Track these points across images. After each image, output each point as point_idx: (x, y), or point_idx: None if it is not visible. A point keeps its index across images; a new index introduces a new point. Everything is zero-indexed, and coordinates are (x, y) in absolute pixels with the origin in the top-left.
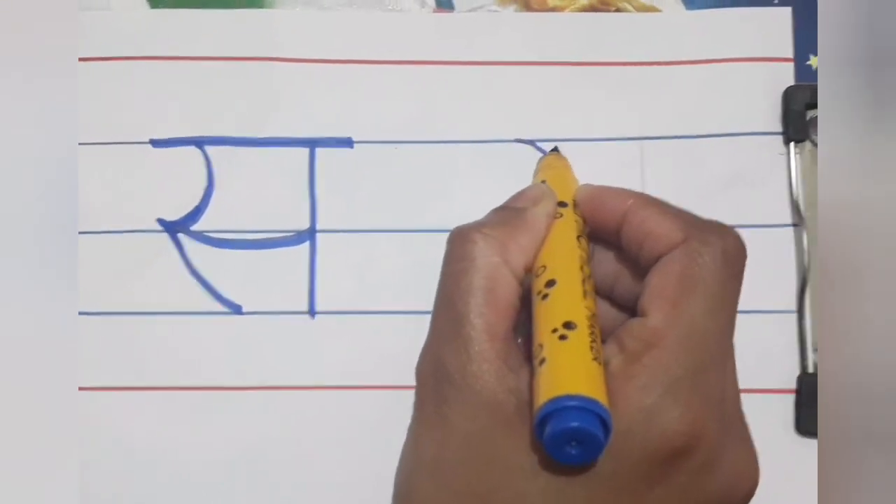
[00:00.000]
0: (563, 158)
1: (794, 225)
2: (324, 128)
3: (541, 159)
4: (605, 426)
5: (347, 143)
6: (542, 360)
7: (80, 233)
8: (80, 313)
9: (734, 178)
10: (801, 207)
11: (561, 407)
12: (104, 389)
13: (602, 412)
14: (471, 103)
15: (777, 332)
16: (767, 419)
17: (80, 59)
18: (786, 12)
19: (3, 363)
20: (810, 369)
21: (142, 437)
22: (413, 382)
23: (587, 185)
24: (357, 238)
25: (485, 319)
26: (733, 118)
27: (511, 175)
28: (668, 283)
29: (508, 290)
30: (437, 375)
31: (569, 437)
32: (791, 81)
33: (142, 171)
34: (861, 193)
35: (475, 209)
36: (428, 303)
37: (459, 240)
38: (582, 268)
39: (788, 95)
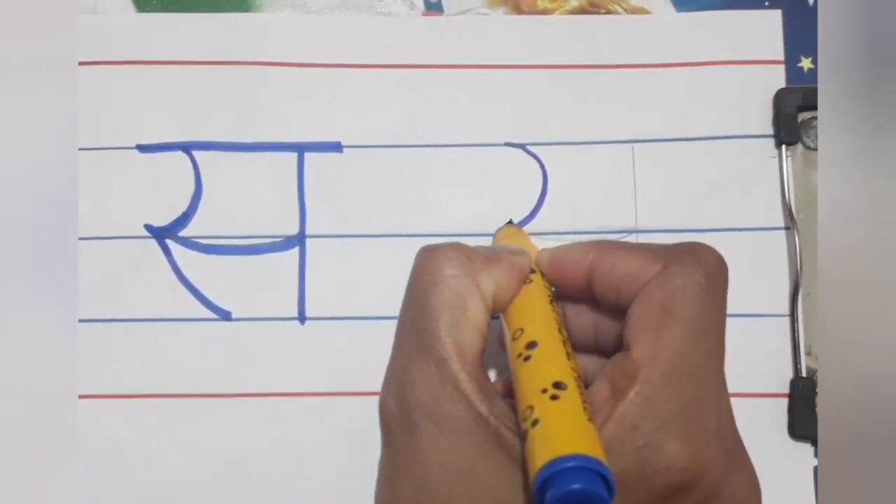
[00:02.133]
0: (522, 231)
1: (787, 228)
2: (312, 132)
3: (498, 230)
4: (609, 485)
5: (336, 147)
6: (536, 422)
7: None
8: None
9: (725, 181)
10: (794, 210)
11: (561, 469)
12: (93, 397)
13: (604, 471)
14: (461, 107)
15: (769, 335)
16: (761, 423)
17: None
18: (776, 14)
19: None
20: (803, 373)
21: (131, 444)
22: None
23: (545, 249)
24: (347, 243)
25: (455, 339)
26: (724, 121)
27: (501, 179)
28: (650, 313)
29: (479, 315)
30: (404, 403)
31: (572, 501)
32: (782, 84)
33: (129, 176)
34: (861, 193)
35: (466, 213)
36: None
37: (429, 253)
38: (560, 330)
39: (780, 98)
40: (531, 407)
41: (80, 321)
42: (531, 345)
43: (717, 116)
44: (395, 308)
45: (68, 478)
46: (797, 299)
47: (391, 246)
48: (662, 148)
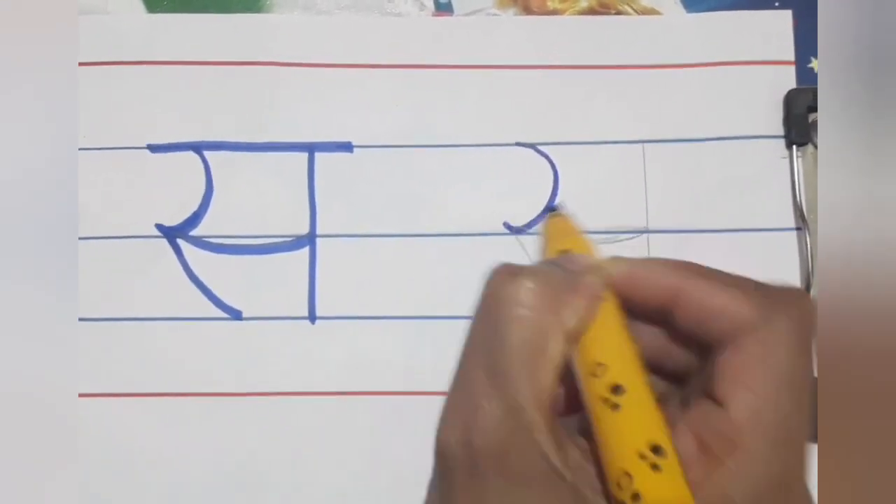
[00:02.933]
0: (573, 223)
1: (798, 229)
2: (323, 132)
3: (546, 221)
4: None
5: (347, 147)
6: (636, 496)
7: (79, 239)
8: (80, 319)
9: (736, 181)
10: (804, 211)
11: None
12: (104, 396)
13: None
14: (471, 107)
15: None
16: None
17: (78, 64)
18: (786, 15)
19: (3, 367)
20: (815, 374)
21: (142, 444)
22: (414, 388)
23: (620, 260)
24: (357, 243)
25: (533, 384)
26: (735, 121)
27: (512, 179)
28: (749, 368)
29: (558, 356)
30: (471, 448)
31: None
32: (792, 84)
33: (140, 176)
34: (861, 194)
35: (476, 213)
36: (428, 308)
37: (508, 280)
38: (645, 370)
39: (790, 99)
40: (628, 475)
41: (92, 320)
42: (617, 389)
43: (727, 117)
44: (405, 307)
45: (68, 478)
46: None
47: (401, 245)
48: (673, 148)
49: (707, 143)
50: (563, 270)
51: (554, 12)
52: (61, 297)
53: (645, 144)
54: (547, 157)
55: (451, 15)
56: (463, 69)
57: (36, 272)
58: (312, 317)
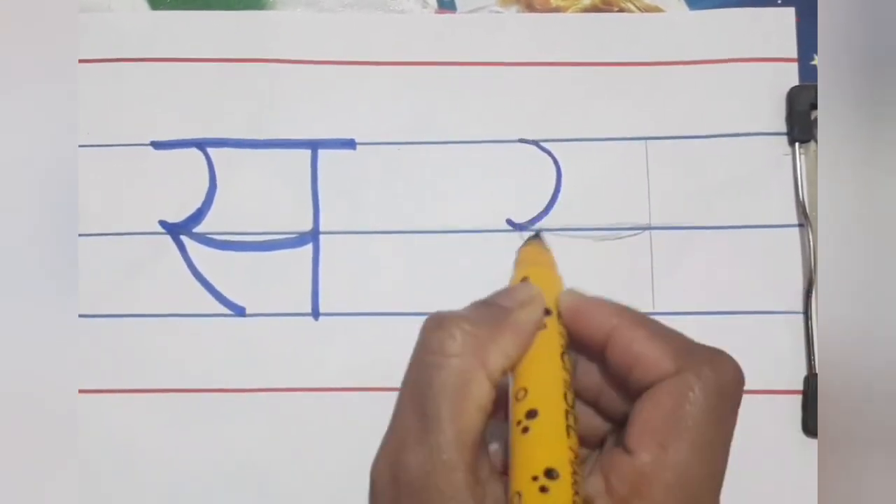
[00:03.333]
0: (547, 250)
1: (800, 225)
2: (326, 129)
3: (522, 246)
4: None
5: (350, 144)
6: None
7: (82, 235)
8: (83, 316)
9: (739, 178)
10: (807, 208)
11: None
12: (105, 392)
13: None
14: (473, 104)
15: (783, 333)
16: (774, 420)
17: (81, 61)
18: (789, 12)
19: (3, 366)
20: (817, 370)
21: (145, 441)
22: None
23: (571, 293)
24: (360, 239)
25: (456, 426)
26: (737, 118)
27: (515, 176)
28: (657, 421)
29: (484, 397)
30: (396, 482)
31: None
32: (795, 81)
33: (143, 173)
34: (861, 193)
35: (479, 210)
36: (431, 304)
37: (437, 330)
38: (566, 395)
39: (793, 95)
40: (519, 494)
41: (94, 316)
42: (531, 413)
43: (730, 114)
44: (407, 303)
45: (68, 475)
46: (811, 296)
47: (404, 242)
48: (676, 145)
49: (710, 139)
50: (495, 308)
51: (556, 9)
52: (61, 294)
53: (648, 141)
54: (550, 153)
55: (454, 12)
56: (466, 66)
57: (36, 269)
58: (316, 313)
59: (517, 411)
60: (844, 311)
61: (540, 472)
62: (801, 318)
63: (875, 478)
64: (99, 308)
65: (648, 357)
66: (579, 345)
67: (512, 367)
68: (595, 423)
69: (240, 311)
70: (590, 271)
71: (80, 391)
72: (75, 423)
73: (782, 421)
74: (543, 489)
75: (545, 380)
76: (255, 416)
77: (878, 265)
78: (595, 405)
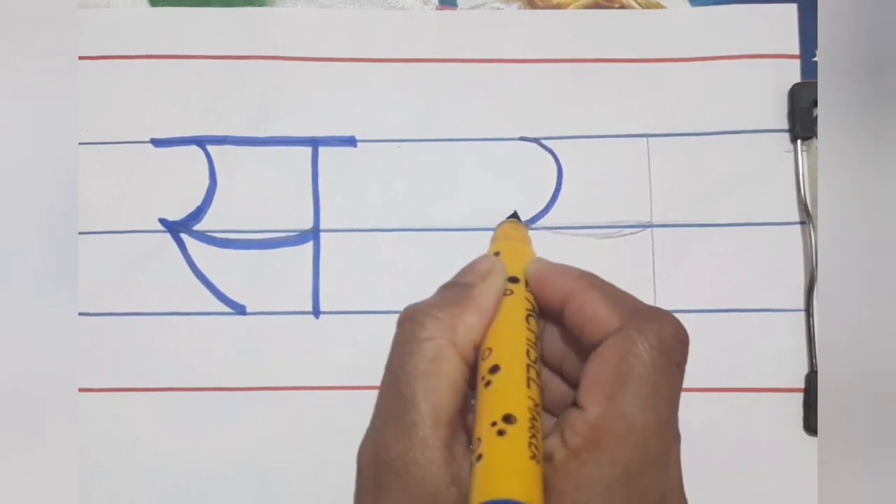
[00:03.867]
0: (522, 227)
1: (802, 223)
2: (327, 127)
3: (499, 225)
4: None
5: (351, 141)
6: (479, 457)
7: (81, 233)
8: (83, 314)
9: (741, 175)
10: (809, 205)
11: None
12: (107, 391)
13: None
14: (474, 101)
15: (785, 330)
16: (776, 418)
17: (80, 58)
18: (791, 9)
19: (2, 364)
20: (818, 368)
21: (145, 440)
22: None
23: (538, 261)
24: (361, 237)
25: (430, 404)
26: (739, 115)
27: (516, 173)
28: (604, 375)
29: (455, 374)
30: (377, 462)
31: None
32: (797, 78)
33: (143, 170)
34: (861, 193)
35: (480, 207)
36: None
37: (408, 321)
38: (528, 352)
39: (795, 92)
40: (479, 439)
41: (94, 314)
42: (494, 369)
43: (732, 111)
44: (408, 301)
45: (68, 474)
46: (813, 294)
47: (405, 240)
48: (677, 142)
49: (712, 136)
50: (458, 288)
51: (558, 6)
52: (61, 292)
53: (649, 138)
54: (551, 151)
55: (455, 9)
56: (467, 63)
57: (36, 267)
58: (316, 311)
59: (482, 370)
60: (844, 310)
61: (498, 418)
62: (802, 315)
63: (875, 476)
64: (99, 306)
65: (598, 316)
66: (545, 311)
67: (476, 341)
68: (562, 389)
69: (240, 310)
70: (591, 269)
71: (80, 390)
72: (75, 421)
73: (783, 419)
74: (501, 433)
75: (508, 338)
76: (256, 414)
77: (879, 263)
78: (560, 372)
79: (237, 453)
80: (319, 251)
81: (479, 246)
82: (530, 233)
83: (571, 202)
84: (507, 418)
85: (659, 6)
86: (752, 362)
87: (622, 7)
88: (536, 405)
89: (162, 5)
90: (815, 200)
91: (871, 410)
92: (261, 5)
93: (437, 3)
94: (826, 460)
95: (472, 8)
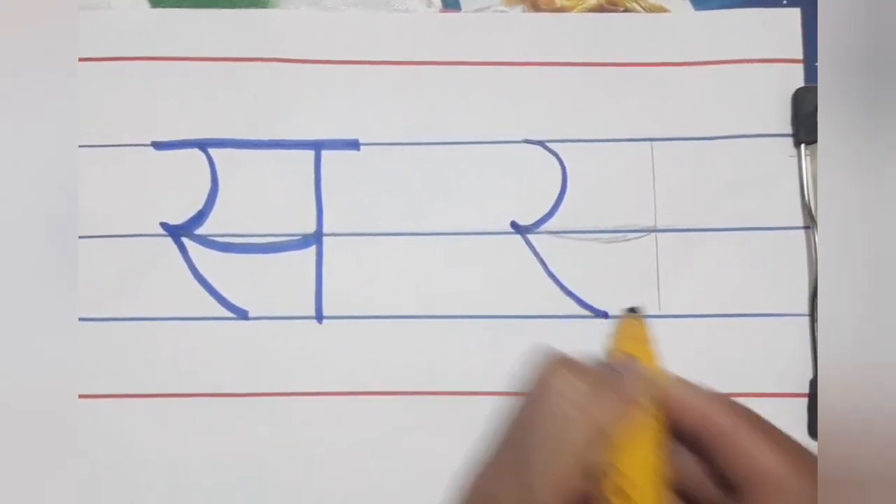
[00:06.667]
0: (644, 326)
1: (806, 227)
2: (330, 130)
3: (619, 321)
4: None
5: (354, 144)
6: None
7: (82, 237)
8: (83, 319)
9: (744, 179)
10: (812, 210)
11: None
12: (108, 397)
13: None
14: (478, 104)
15: (789, 335)
16: (780, 422)
17: (81, 60)
18: (795, 13)
19: (2, 370)
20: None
21: (146, 446)
22: (422, 388)
23: (678, 382)
24: (364, 241)
25: (553, 471)
26: (743, 119)
27: (520, 176)
28: None
29: (585, 449)
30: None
31: None
32: (801, 83)
33: (144, 174)
34: (863, 195)
35: (484, 211)
36: (437, 307)
37: (560, 371)
38: (655, 481)
39: (798, 97)
40: None
41: (95, 320)
42: (619, 493)
43: (735, 115)
44: (412, 306)
45: (68, 480)
46: (817, 299)
47: (409, 244)
48: (681, 146)
49: (715, 141)
50: (607, 368)
51: (561, 9)
52: (61, 297)
53: (653, 142)
54: (555, 154)
55: (459, 12)
56: (470, 66)
57: (35, 271)
58: (319, 316)
59: (606, 486)
60: (846, 315)
61: None
62: (807, 320)
63: (877, 485)
64: (99, 311)
65: (760, 462)
66: (681, 437)
67: (610, 435)
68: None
69: (242, 315)
70: (595, 273)
71: (80, 396)
72: (75, 428)
73: (787, 424)
74: None
75: (638, 462)
76: (258, 420)
77: (881, 268)
78: (683, 493)
79: (239, 459)
80: (322, 255)
81: (482, 250)
82: (532, 237)
83: (576, 206)
84: None
85: (663, 10)
86: (756, 367)
87: (626, 11)
88: None
89: (163, 7)
90: (818, 205)
91: (872, 416)
92: (263, 7)
93: (440, 5)
94: (826, 464)
95: (476, 11)
